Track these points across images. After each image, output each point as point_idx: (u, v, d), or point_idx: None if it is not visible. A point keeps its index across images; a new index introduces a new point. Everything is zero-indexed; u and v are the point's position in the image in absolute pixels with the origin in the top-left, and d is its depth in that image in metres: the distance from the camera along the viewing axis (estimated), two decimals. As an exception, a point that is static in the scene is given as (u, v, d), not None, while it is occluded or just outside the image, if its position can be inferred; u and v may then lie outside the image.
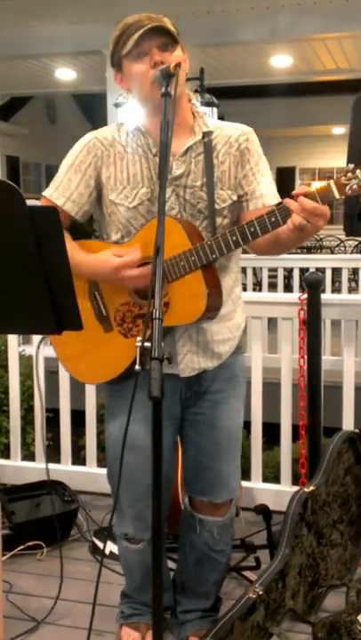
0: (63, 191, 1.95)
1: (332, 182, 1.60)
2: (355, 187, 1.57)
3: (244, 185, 1.91)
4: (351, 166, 1.59)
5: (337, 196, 1.59)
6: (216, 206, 1.88)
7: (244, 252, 2.00)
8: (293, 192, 1.64)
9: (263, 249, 1.90)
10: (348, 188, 1.58)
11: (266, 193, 1.90)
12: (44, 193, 1.99)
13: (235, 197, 1.91)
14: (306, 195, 1.62)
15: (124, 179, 1.91)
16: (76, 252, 1.91)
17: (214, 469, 2.04)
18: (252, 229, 1.72)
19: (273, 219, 1.69)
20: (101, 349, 1.99)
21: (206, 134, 1.90)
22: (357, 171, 1.56)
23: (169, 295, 1.83)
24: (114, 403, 2.06)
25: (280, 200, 1.75)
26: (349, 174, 1.58)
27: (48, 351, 3.41)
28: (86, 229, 2.10)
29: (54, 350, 2.10)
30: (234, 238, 1.74)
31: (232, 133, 1.92)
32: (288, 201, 1.65)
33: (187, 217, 1.88)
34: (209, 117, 1.97)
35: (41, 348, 2.96)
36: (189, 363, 1.95)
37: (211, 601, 2.21)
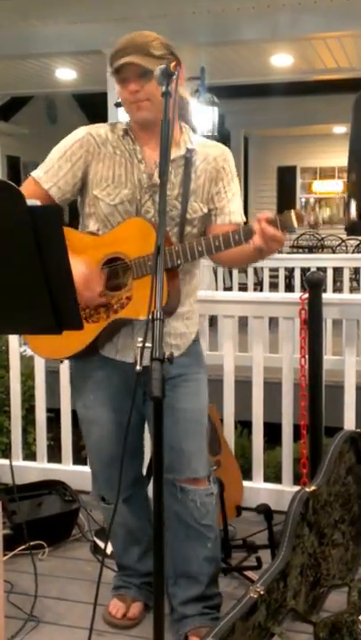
0: (51, 177, 2.09)
1: (292, 212, 1.77)
2: (311, 220, 1.79)
3: (215, 200, 2.09)
4: (312, 201, 1.74)
5: (295, 224, 1.77)
6: (188, 216, 2.05)
7: None
8: (258, 216, 1.81)
9: (221, 261, 2.11)
10: (305, 220, 1.75)
11: (234, 211, 2.09)
12: (32, 173, 2.12)
13: (205, 210, 2.08)
14: (269, 221, 1.79)
15: (110, 177, 2.06)
16: None
17: (176, 449, 2.10)
18: (216, 243, 1.89)
19: (236, 237, 1.86)
20: None
21: (189, 150, 2.05)
22: (317, 208, 1.74)
23: (132, 290, 2.01)
24: (78, 382, 2.27)
25: (245, 219, 2.08)
26: (309, 208, 1.72)
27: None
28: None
29: None
30: (199, 249, 1.91)
31: (211, 152, 2.09)
32: (255, 225, 1.81)
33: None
34: (192, 134, 2.12)
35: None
36: (146, 353, 2.00)
37: (203, 584, 2.20)
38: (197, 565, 2.20)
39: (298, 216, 1.77)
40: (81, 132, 2.10)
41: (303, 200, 12.92)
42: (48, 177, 2.09)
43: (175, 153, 2.03)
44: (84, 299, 2.02)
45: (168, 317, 2.03)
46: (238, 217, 2.10)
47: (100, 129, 2.10)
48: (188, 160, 2.04)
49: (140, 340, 1.58)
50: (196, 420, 2.17)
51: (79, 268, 2.00)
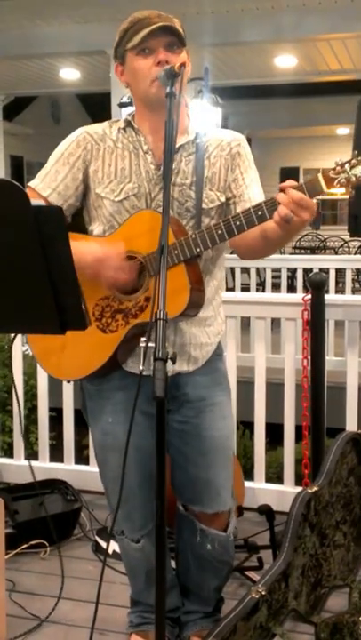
0: (49, 182, 1.95)
1: (320, 175, 1.60)
2: (343, 181, 1.58)
3: (233, 188, 1.91)
4: (340, 161, 1.59)
5: (325, 189, 1.59)
6: (204, 206, 1.88)
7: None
8: (280, 185, 1.64)
9: (250, 246, 1.87)
10: (336, 182, 1.59)
11: (254, 198, 1.86)
12: (29, 183, 1.97)
13: (223, 199, 1.90)
14: (294, 187, 1.62)
15: (112, 172, 1.91)
16: None
17: (203, 479, 2.00)
18: (237, 223, 1.70)
19: (260, 212, 1.67)
20: (77, 345, 1.92)
21: (198, 135, 1.91)
22: (346, 165, 1.57)
23: (150, 290, 1.78)
24: (94, 405, 2.03)
25: None
26: (338, 168, 1.58)
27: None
28: (86, 228, 2.09)
29: (29, 347, 2.06)
30: (219, 232, 1.72)
31: (224, 137, 1.94)
32: (278, 194, 1.63)
33: (174, 215, 1.87)
34: (201, 122, 1.97)
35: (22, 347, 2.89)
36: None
37: (212, 605, 2.20)
38: (208, 592, 2.17)
39: (326, 179, 1.58)
40: (77, 132, 1.97)
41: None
42: (46, 183, 1.94)
43: (183, 139, 1.88)
44: (107, 270, 1.82)
45: (192, 317, 1.87)
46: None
47: (96, 127, 1.97)
48: (199, 146, 1.89)
49: (143, 339, 1.48)
50: (224, 446, 2.02)
51: (89, 244, 1.84)
